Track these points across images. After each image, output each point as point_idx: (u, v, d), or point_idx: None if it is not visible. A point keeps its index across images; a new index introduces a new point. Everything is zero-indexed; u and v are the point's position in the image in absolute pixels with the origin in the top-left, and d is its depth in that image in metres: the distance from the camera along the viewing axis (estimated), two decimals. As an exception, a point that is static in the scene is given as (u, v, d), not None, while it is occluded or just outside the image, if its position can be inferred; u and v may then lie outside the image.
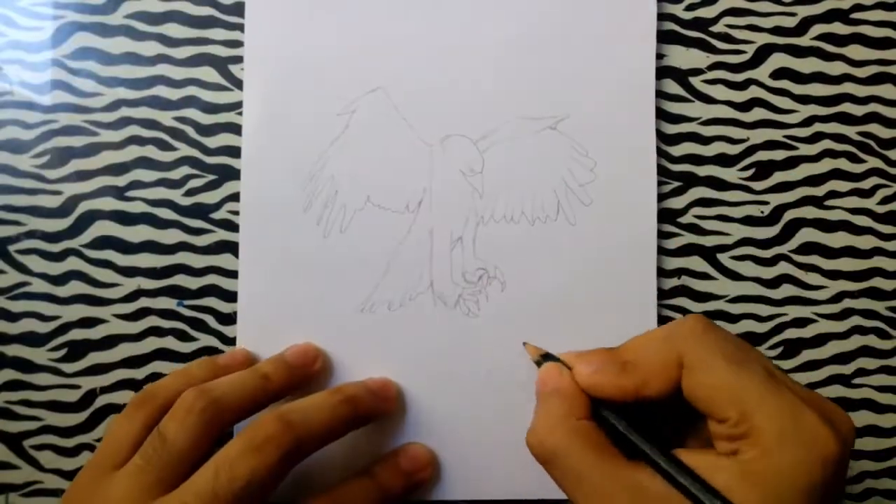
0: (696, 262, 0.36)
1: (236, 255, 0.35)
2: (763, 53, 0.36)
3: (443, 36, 0.35)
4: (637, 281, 0.35)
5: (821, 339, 0.36)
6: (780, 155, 0.36)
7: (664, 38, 0.36)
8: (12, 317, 0.35)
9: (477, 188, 0.35)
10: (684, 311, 0.35)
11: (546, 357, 0.29)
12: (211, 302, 0.35)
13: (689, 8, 0.36)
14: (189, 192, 0.35)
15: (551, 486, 0.33)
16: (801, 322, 0.36)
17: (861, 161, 0.36)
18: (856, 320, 0.36)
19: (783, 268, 0.36)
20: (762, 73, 0.36)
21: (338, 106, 0.35)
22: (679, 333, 0.25)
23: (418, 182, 0.35)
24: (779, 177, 0.36)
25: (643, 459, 0.24)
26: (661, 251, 0.36)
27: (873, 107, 0.36)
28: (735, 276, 0.36)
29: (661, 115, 0.36)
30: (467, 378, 0.34)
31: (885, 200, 0.36)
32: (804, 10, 0.36)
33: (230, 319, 0.35)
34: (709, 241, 0.36)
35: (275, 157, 0.34)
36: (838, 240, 0.36)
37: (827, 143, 0.36)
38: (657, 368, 0.25)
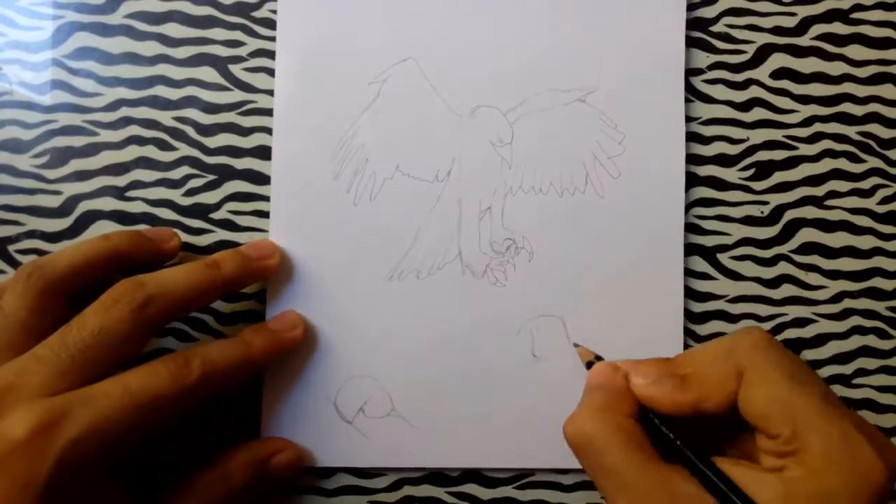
0: (696, 262, 0.36)
1: (236, 254, 0.34)
2: (763, 53, 0.36)
3: (474, 7, 0.35)
4: (663, 254, 0.35)
5: (821, 340, 0.36)
6: (780, 155, 0.36)
7: (664, 38, 0.36)
8: (12, 317, 0.35)
9: (506, 159, 0.35)
10: (687, 310, 0.35)
11: (598, 359, 0.29)
12: (211, 302, 0.35)
13: (690, 8, 0.36)
14: (189, 192, 0.35)
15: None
16: (801, 322, 0.36)
17: (861, 161, 0.36)
18: (856, 320, 0.36)
19: (783, 268, 0.36)
20: (762, 73, 0.36)
21: (369, 75, 0.35)
22: (742, 346, 0.25)
23: (448, 152, 0.35)
24: (779, 177, 0.36)
25: (681, 463, 0.24)
26: (661, 251, 0.36)
27: (873, 107, 0.36)
28: (735, 276, 0.36)
29: (661, 115, 0.36)
30: (494, 347, 0.34)
31: (885, 200, 0.36)
32: (804, 10, 0.36)
33: (230, 319, 0.35)
34: (709, 241, 0.36)
35: (306, 124, 0.35)
36: (838, 240, 0.36)
37: (827, 143, 0.36)
38: (717, 383, 0.25)
